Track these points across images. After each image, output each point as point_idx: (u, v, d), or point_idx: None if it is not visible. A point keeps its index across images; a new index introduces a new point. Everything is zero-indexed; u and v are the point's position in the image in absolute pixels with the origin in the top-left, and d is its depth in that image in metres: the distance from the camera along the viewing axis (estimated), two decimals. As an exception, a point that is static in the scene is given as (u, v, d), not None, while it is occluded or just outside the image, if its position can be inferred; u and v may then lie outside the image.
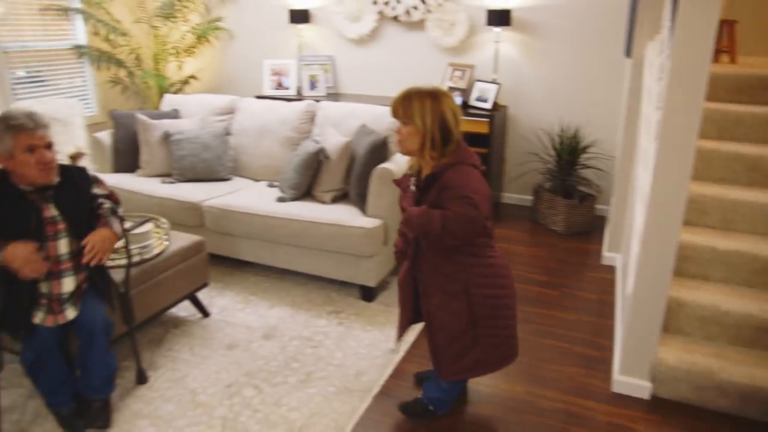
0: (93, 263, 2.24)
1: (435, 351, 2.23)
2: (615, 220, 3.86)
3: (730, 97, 3.63)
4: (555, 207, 4.46)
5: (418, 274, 2.20)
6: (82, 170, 2.39)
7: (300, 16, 5.40)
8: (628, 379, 2.61)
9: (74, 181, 2.31)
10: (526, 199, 5.05)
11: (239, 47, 5.92)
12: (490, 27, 4.67)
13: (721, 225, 3.05)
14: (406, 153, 2.13)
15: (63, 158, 3.99)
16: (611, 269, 3.83)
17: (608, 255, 3.93)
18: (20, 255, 2.07)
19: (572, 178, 4.50)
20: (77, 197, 2.30)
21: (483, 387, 2.62)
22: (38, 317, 2.21)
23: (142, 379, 2.60)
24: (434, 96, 2.02)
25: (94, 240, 2.23)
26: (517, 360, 2.79)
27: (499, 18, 4.55)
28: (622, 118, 3.84)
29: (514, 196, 5.14)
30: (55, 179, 2.22)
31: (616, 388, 2.63)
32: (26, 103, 4.70)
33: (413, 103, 2.02)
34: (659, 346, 2.60)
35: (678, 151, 2.28)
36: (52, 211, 2.21)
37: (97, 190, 2.40)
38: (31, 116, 2.13)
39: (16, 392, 2.51)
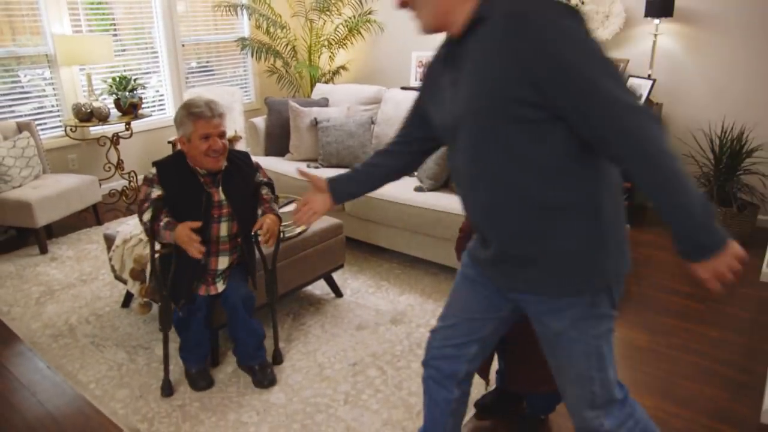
0: (270, 244, 2.44)
1: (527, 364, 2.07)
2: (780, 233, 3.47)
3: None
4: (710, 214, 4.10)
5: None
6: (247, 156, 2.59)
7: (448, 9, 5.42)
8: (781, 410, 2.36)
9: (239, 166, 2.50)
10: (678, 203, 4.70)
11: (388, 39, 6.08)
12: (649, 18, 4.38)
13: None
14: None
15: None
16: (771, 287, 3.47)
17: (769, 271, 3.55)
18: (185, 236, 2.25)
19: (732, 185, 4.11)
20: (243, 182, 2.50)
21: (611, 396, 2.51)
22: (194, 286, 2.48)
23: (278, 359, 2.73)
24: None
25: (268, 224, 2.41)
26: (650, 373, 2.65)
27: (660, 8, 4.25)
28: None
29: (664, 199, 4.80)
30: (223, 165, 2.43)
31: (766, 419, 2.39)
32: (195, 91, 5.21)
33: None
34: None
35: None
36: (220, 195, 2.43)
37: (260, 178, 2.60)
38: (209, 105, 2.33)
39: (172, 347, 2.82)
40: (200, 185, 2.40)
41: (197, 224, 2.29)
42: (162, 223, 2.33)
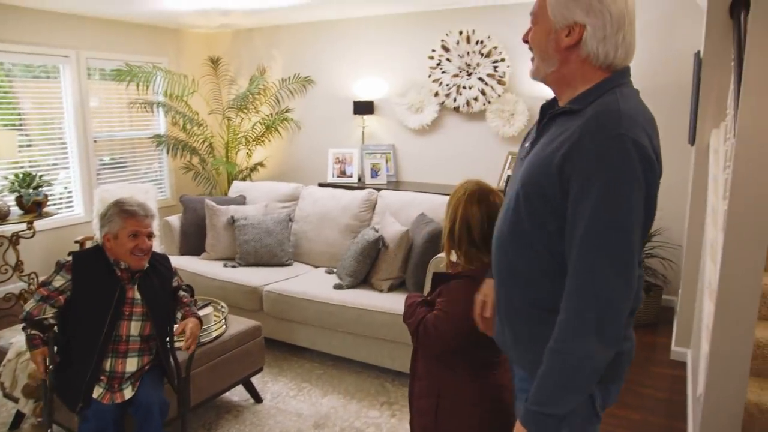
0: (191, 350, 2.44)
1: None
2: (684, 313, 3.65)
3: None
4: (620, 298, 4.28)
5: None
6: (166, 259, 2.58)
7: (364, 108, 5.63)
8: (704, 493, 2.38)
9: (158, 269, 2.48)
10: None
11: (305, 136, 6.19)
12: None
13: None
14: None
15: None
16: (681, 365, 3.60)
17: (677, 350, 3.70)
18: (35, 361, 2.27)
19: (637, 268, 4.32)
20: (160, 284, 2.47)
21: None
22: (97, 392, 2.29)
23: None
24: (471, 197, 1.83)
25: (191, 327, 2.43)
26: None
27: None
28: (688, 206, 3.72)
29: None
30: (145, 265, 2.39)
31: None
32: (107, 188, 5.03)
33: (451, 198, 1.88)
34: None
35: (748, 243, 2.16)
36: (134, 294, 2.37)
37: (177, 282, 2.59)
38: (142, 206, 2.39)
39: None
40: (116, 279, 2.34)
41: (42, 370, 2.29)
42: (30, 331, 2.28)
